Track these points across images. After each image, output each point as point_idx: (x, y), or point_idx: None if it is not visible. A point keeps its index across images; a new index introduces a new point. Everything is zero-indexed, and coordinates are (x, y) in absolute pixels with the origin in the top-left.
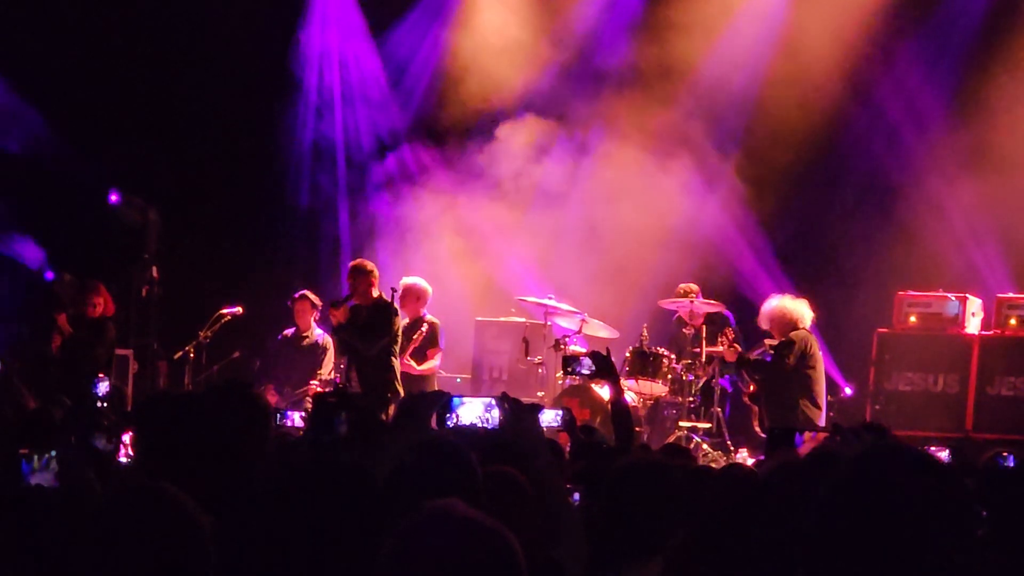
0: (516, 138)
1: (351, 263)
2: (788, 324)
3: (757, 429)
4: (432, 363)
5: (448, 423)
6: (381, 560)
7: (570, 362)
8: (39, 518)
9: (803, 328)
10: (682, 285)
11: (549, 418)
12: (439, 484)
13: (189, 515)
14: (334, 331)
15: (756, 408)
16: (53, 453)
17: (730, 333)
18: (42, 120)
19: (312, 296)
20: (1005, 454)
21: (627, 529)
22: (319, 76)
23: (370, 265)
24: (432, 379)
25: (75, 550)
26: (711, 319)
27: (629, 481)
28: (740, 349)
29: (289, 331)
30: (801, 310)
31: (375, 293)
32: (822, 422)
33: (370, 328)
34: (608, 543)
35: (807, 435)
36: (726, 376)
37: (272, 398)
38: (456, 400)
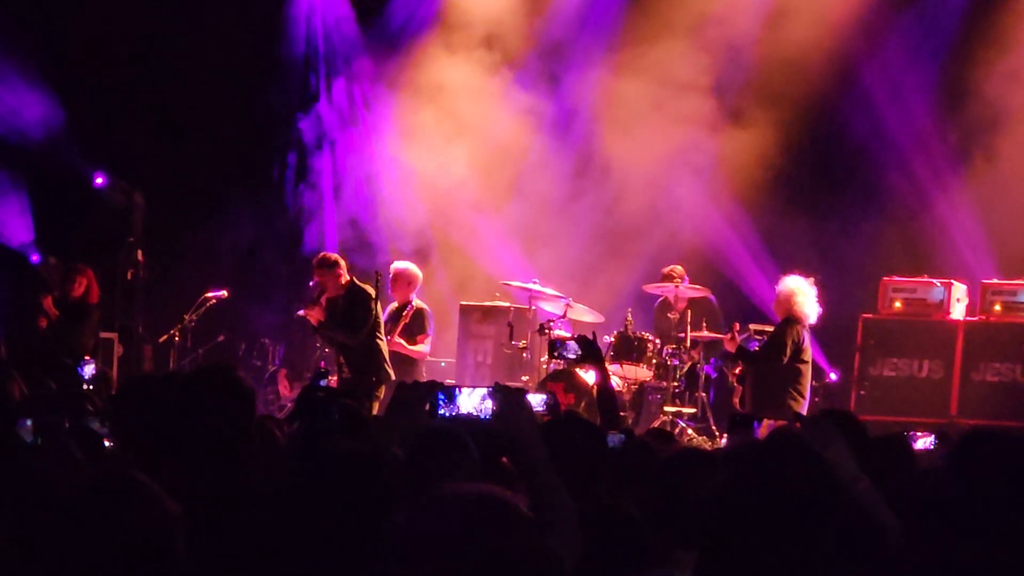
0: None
1: (314, 260)
2: (790, 312)
3: (737, 407)
4: (422, 347)
5: (442, 412)
6: (396, 539)
7: (556, 346)
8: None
9: (802, 324)
10: (667, 267)
11: (534, 402)
12: (440, 471)
13: (157, 504)
14: (314, 331)
15: (740, 387)
16: (28, 422)
17: (736, 326)
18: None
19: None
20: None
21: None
22: (305, 49)
23: (334, 256)
24: (421, 364)
25: (47, 534)
26: (695, 303)
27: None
28: (740, 341)
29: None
30: (809, 307)
31: (344, 281)
32: (805, 408)
33: (350, 318)
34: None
35: (765, 423)
36: (711, 360)
37: (283, 386)
38: (446, 390)
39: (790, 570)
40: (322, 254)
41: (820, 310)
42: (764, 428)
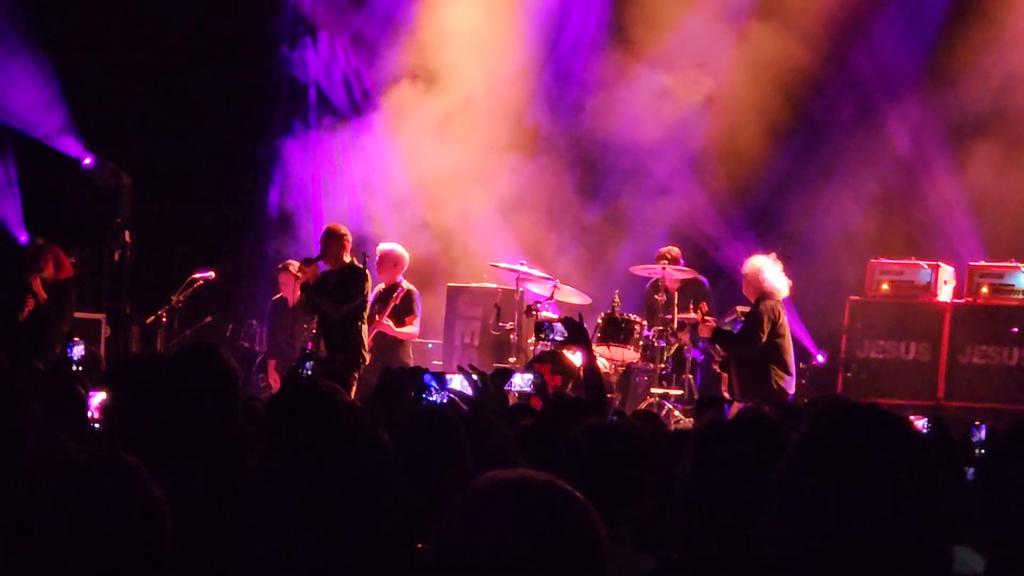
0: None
1: (325, 227)
2: (761, 290)
3: (727, 395)
4: (410, 329)
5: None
6: (448, 535)
7: (543, 328)
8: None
9: (775, 299)
10: (663, 248)
11: (520, 383)
12: (432, 454)
13: (142, 486)
14: (302, 289)
15: (726, 375)
16: None
17: (704, 307)
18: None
19: (294, 266)
20: (978, 423)
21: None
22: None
23: (343, 230)
24: (408, 346)
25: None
26: (685, 286)
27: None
28: (714, 324)
29: (276, 297)
30: (778, 282)
31: (347, 259)
32: (793, 388)
33: (339, 292)
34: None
35: (735, 405)
36: (699, 344)
37: (272, 377)
38: (438, 377)
39: (763, 550)
40: (333, 224)
41: (790, 282)
42: (734, 409)
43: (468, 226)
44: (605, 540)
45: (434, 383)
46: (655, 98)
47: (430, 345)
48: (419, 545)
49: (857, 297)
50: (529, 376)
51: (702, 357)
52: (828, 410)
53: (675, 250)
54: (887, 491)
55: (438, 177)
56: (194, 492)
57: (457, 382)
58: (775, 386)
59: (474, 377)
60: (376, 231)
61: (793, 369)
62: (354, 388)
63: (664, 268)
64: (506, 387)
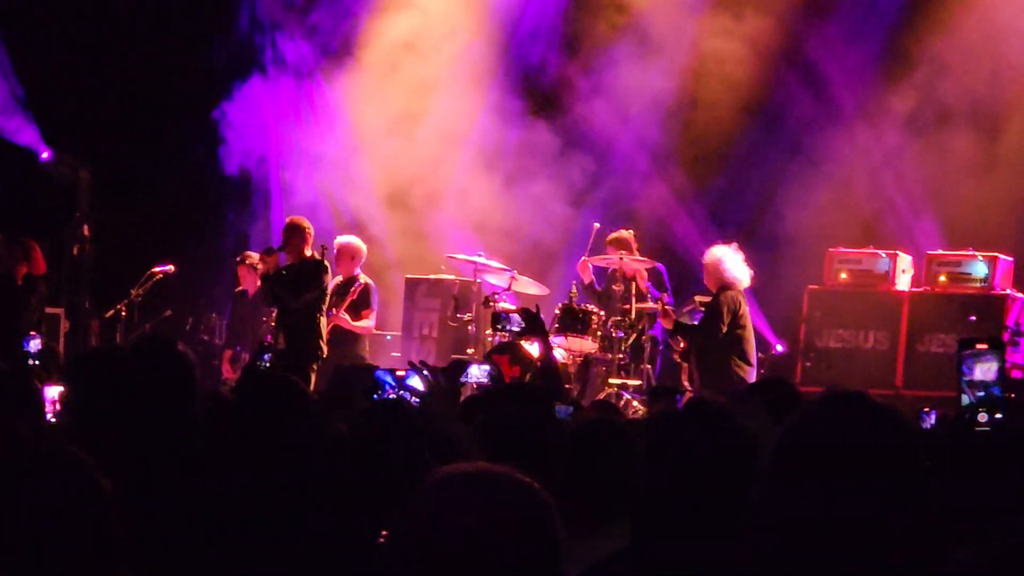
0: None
1: (287, 219)
2: (722, 281)
3: (687, 385)
4: (366, 323)
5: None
6: (405, 522)
7: (499, 319)
8: None
9: (736, 289)
10: (615, 234)
11: (477, 374)
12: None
13: (88, 479)
14: (262, 279)
15: (687, 365)
16: None
17: (665, 299)
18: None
19: (253, 258)
20: (927, 409)
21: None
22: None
23: (306, 223)
24: (364, 339)
25: None
26: (642, 276)
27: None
28: (675, 316)
29: (237, 289)
30: (739, 272)
31: (307, 252)
32: (754, 378)
33: (298, 283)
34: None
35: (687, 395)
36: (657, 325)
37: (226, 368)
38: (384, 372)
39: (715, 529)
40: (296, 217)
41: (751, 272)
42: (687, 399)
43: (427, 216)
44: (561, 531)
45: (387, 379)
46: (615, 85)
47: (388, 337)
48: (380, 537)
49: (816, 286)
50: (486, 367)
51: (662, 339)
52: (822, 400)
53: (628, 233)
54: (880, 477)
55: (396, 164)
56: (151, 484)
57: (409, 377)
58: (736, 376)
59: (425, 372)
60: (336, 219)
61: (754, 359)
62: (313, 380)
63: (622, 258)
64: (463, 379)
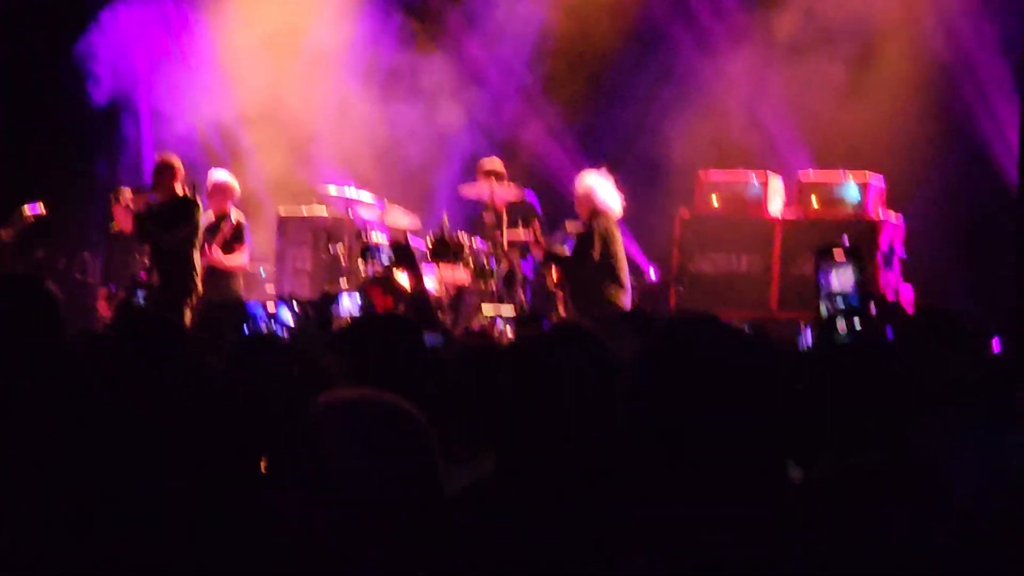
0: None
1: (157, 157)
2: (593, 208)
3: (563, 314)
4: (239, 259)
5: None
6: (292, 449)
7: (369, 252)
8: None
9: (607, 216)
10: (484, 161)
11: (348, 306)
12: (262, 380)
13: None
14: (134, 218)
15: (561, 293)
16: None
17: (536, 227)
18: None
19: (127, 195)
20: (803, 323)
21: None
22: None
23: (175, 160)
24: (238, 276)
25: None
26: (514, 204)
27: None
28: (545, 246)
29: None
30: (610, 200)
31: (179, 190)
32: (628, 302)
33: (171, 221)
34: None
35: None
36: (528, 258)
37: (102, 306)
38: (255, 305)
39: (581, 458)
40: (164, 154)
41: (622, 197)
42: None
43: (299, 144)
44: (439, 456)
45: (259, 312)
46: (484, 9)
47: (262, 271)
48: (260, 466)
49: (687, 211)
50: (358, 299)
51: (532, 275)
52: (669, 323)
53: (496, 161)
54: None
55: (267, 89)
56: (20, 420)
57: (279, 311)
58: (610, 304)
59: (294, 305)
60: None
61: (628, 285)
62: (187, 316)
63: (492, 189)
64: (335, 311)
